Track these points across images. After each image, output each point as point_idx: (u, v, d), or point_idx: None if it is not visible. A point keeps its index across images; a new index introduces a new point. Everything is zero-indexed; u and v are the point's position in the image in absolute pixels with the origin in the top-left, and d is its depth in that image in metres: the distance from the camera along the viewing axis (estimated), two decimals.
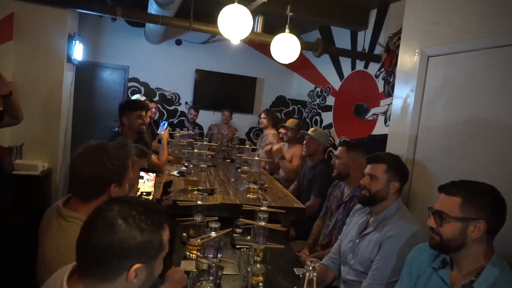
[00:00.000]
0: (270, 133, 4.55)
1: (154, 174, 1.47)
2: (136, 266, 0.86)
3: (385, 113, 3.84)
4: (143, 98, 4.11)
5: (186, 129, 4.28)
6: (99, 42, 5.28)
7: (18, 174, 3.25)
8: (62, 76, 3.59)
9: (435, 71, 2.22)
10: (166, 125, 3.22)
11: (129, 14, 3.74)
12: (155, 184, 1.46)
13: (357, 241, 1.79)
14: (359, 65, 4.41)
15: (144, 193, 1.44)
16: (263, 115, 4.70)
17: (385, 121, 3.82)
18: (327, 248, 2.25)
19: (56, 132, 3.67)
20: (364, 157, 2.32)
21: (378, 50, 4.04)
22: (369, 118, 4.11)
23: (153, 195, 1.46)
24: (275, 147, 3.87)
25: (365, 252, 1.72)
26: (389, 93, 3.80)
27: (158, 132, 3.12)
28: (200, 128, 5.29)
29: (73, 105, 4.11)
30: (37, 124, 3.51)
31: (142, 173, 1.45)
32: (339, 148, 2.43)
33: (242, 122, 5.93)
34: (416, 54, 2.28)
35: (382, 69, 3.94)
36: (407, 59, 2.38)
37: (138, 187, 1.44)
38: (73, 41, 3.73)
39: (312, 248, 2.46)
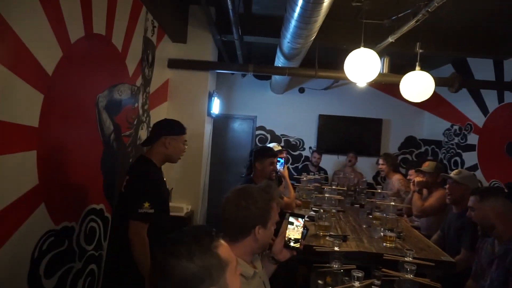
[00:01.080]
0: (395, 179, 4.16)
1: (304, 219, 1.48)
2: None
3: None
4: (278, 147, 4.33)
5: (312, 173, 4.31)
6: (231, 96, 5.92)
7: None
8: (204, 128, 4.09)
9: None
10: (282, 162, 3.29)
11: (259, 70, 4.14)
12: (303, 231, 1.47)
13: None
14: (509, 97, 3.83)
15: (292, 239, 1.45)
16: (381, 161, 4.30)
17: None
18: None
19: (198, 177, 4.13)
20: (506, 202, 1.94)
21: None
22: None
23: (301, 241, 1.46)
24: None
25: None
26: None
27: (277, 170, 3.21)
28: (325, 172, 5.26)
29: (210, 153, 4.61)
30: (183, 171, 4.02)
31: (292, 219, 1.48)
32: (471, 197, 2.08)
33: (368, 165, 5.68)
34: None
35: None
36: None
37: (288, 233, 1.47)
38: (212, 98, 4.27)
39: None
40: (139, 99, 3.09)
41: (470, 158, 4.45)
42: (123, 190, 1.91)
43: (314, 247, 1.96)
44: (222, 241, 0.93)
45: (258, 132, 5.97)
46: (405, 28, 2.78)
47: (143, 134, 3.22)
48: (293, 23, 2.55)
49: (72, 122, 2.01)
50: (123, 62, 2.68)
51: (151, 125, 2.72)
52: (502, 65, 3.96)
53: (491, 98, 4.12)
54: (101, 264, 2.48)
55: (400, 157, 5.84)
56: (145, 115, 3.31)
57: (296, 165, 5.85)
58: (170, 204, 3.83)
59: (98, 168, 2.38)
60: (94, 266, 2.37)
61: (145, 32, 3.08)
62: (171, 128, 2.00)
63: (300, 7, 2.26)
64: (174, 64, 3.91)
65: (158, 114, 3.73)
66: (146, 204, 1.77)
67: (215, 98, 4.34)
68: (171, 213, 3.67)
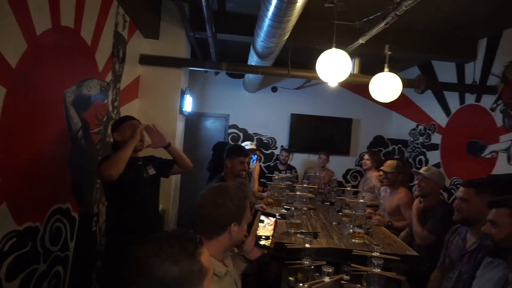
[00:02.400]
0: (373, 175, 4.32)
1: (274, 218, 1.50)
2: None
3: (507, 149, 3.39)
4: (253, 145, 4.33)
5: (284, 171, 4.35)
6: (203, 94, 5.87)
7: None
8: (176, 126, 4.03)
9: None
10: (254, 158, 3.32)
11: (232, 68, 4.14)
12: (274, 228, 1.48)
13: None
14: (469, 99, 4.05)
15: (263, 237, 1.47)
16: (366, 157, 4.50)
17: (509, 159, 3.36)
18: None
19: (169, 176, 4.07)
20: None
21: (492, 81, 3.68)
22: (486, 156, 3.67)
23: (271, 239, 1.48)
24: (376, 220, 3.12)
25: None
26: (510, 127, 3.37)
27: (246, 169, 3.24)
28: (295, 170, 5.32)
29: None
30: None
31: (262, 217, 1.50)
32: (466, 189, 2.08)
33: (338, 164, 5.81)
34: None
35: (500, 101, 3.55)
36: None
37: (258, 232, 1.49)
38: (185, 95, 4.21)
39: None
40: (109, 95, 3.00)
41: (434, 157, 4.66)
42: None
43: (286, 244, 1.99)
44: (205, 249, 0.92)
45: (230, 130, 5.96)
46: (375, 30, 2.87)
47: None
48: (267, 21, 2.57)
49: (37, 117, 1.92)
50: (93, 56, 2.60)
51: None
52: (463, 68, 4.17)
53: (453, 100, 4.34)
54: (67, 265, 2.39)
55: None
56: (115, 112, 3.22)
57: (268, 163, 5.89)
58: None
59: (65, 166, 2.29)
60: (59, 268, 2.29)
61: (116, 26, 2.99)
62: (114, 124, 2.29)
63: (274, 6, 2.28)
64: (146, 60, 3.82)
65: (129, 111, 3.64)
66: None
67: (188, 95, 4.29)
68: None
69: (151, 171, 2.33)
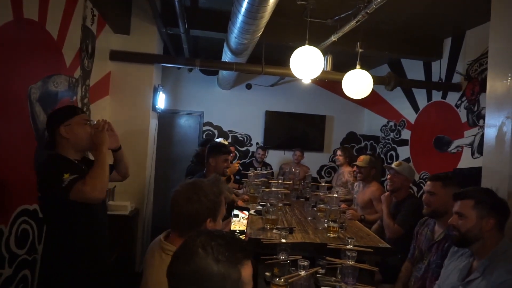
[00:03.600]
0: (346, 171, 4.43)
1: (248, 213, 1.49)
2: None
3: (471, 144, 3.55)
4: (225, 142, 4.31)
5: (259, 169, 4.36)
6: (177, 91, 5.78)
7: (110, 214, 3.53)
8: (149, 124, 3.95)
9: None
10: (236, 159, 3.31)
11: (206, 64, 4.09)
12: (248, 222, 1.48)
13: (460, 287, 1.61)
14: (436, 96, 4.20)
15: (237, 231, 1.47)
16: (339, 152, 4.60)
17: (472, 153, 3.52)
18: None
19: (143, 175, 3.98)
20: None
21: (457, 78, 3.84)
22: (452, 151, 3.83)
23: (246, 233, 1.48)
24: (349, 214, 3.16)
25: None
26: (474, 122, 3.53)
27: (229, 167, 3.25)
28: (271, 167, 5.35)
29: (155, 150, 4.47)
30: None
31: (236, 212, 1.49)
32: (433, 183, 2.19)
33: (312, 160, 5.89)
34: (509, 79, 2.12)
35: (464, 98, 3.71)
36: (498, 84, 2.21)
37: (233, 226, 1.48)
38: (158, 92, 4.13)
39: None
40: (78, 92, 2.90)
41: (404, 152, 4.82)
42: (40, 194, 1.66)
43: (262, 240, 1.99)
44: (250, 264, 0.93)
45: (205, 128, 5.91)
46: (346, 28, 2.92)
47: None
48: (240, 18, 2.56)
49: (0, 114, 1.83)
50: (59, 51, 2.50)
51: (91, 118, 2.56)
52: (430, 66, 4.33)
53: (421, 97, 4.49)
54: (35, 269, 2.30)
55: None
56: (85, 109, 3.11)
57: (243, 160, 5.89)
58: (113, 203, 3.68)
59: (31, 165, 2.19)
60: (27, 272, 2.19)
61: (84, 20, 2.89)
62: (60, 115, 1.73)
63: (248, 2, 2.27)
64: (116, 56, 3.72)
65: (100, 108, 3.53)
66: (66, 175, 1.51)
67: (161, 92, 4.21)
68: (114, 212, 3.54)
69: None
